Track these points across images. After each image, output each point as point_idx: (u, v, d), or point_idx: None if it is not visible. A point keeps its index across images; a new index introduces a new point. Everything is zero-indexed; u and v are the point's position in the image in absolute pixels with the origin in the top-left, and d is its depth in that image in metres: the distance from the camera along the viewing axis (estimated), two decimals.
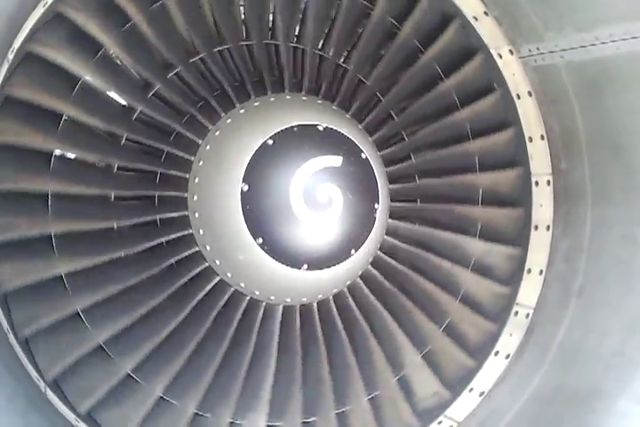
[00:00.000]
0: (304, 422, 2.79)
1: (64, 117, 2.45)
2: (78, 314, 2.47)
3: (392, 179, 2.86)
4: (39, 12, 2.40)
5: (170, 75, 2.58)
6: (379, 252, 2.85)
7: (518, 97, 3.04)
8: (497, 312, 3.07)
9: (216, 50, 2.64)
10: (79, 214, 2.49)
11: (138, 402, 2.54)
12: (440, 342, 2.97)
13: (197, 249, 2.58)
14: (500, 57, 3.01)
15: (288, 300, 2.69)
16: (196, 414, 2.63)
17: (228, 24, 2.66)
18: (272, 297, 2.67)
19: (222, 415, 2.65)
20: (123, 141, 2.53)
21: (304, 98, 2.71)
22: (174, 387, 2.57)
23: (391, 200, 2.83)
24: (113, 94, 2.56)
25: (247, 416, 2.69)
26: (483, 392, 3.06)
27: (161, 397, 2.57)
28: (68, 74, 2.45)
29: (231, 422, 2.68)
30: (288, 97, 2.68)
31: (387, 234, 2.86)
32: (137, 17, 2.49)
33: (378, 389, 2.89)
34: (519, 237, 3.10)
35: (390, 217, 2.85)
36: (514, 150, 3.07)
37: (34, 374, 2.49)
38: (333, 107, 2.76)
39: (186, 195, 2.56)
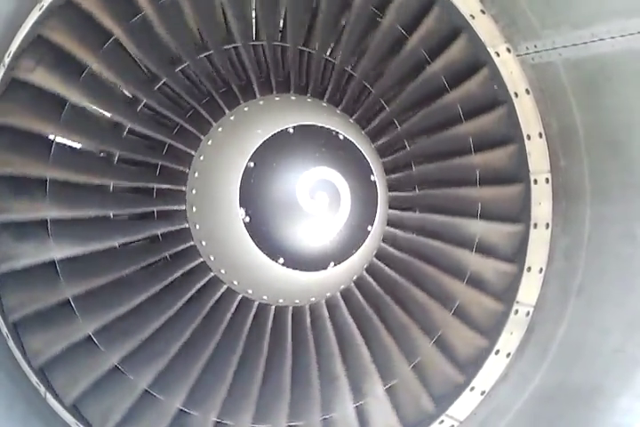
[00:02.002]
0: (324, 419, 2.78)
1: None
2: (89, 336, 2.47)
3: (389, 169, 2.85)
4: (35, 14, 2.38)
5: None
6: (382, 243, 2.84)
7: (516, 95, 3.04)
8: (503, 290, 3.07)
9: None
10: (80, 237, 2.47)
11: (158, 417, 2.54)
12: (450, 327, 2.98)
13: (202, 260, 2.58)
14: (498, 55, 3.00)
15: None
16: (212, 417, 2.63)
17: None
18: (281, 300, 2.68)
19: (243, 421, 2.64)
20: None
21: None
22: (193, 397, 2.56)
23: (389, 191, 2.81)
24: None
25: (268, 419, 2.68)
26: (484, 391, 3.06)
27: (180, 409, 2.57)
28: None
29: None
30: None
31: (389, 225, 2.84)
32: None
33: (394, 378, 2.90)
34: (521, 213, 3.09)
35: (390, 207, 2.84)
36: (507, 129, 3.05)
37: (34, 379, 2.47)
38: (324, 103, 2.75)
39: (184, 207, 2.55)
